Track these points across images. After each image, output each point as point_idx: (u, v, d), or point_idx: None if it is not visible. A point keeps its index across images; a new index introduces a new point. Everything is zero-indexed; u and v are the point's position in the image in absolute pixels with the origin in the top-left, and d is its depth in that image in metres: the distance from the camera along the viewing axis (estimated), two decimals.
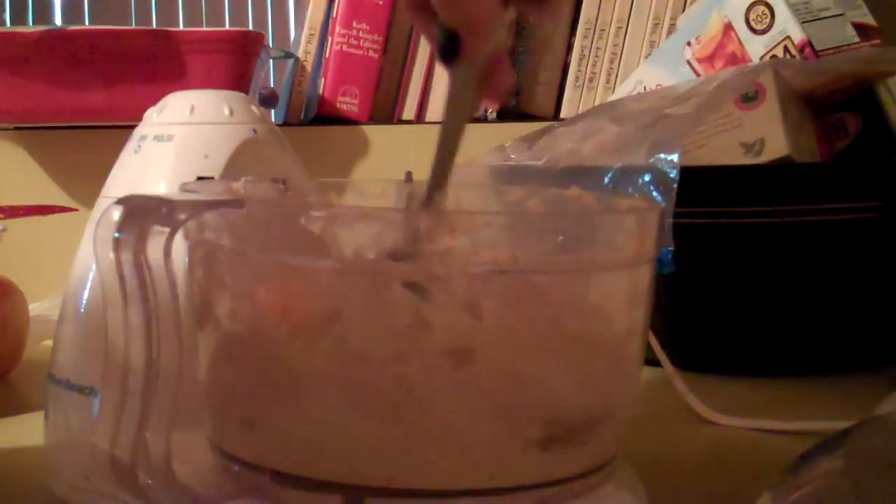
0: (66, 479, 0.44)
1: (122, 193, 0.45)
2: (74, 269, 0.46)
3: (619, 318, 0.34)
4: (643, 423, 0.49)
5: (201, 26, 1.33)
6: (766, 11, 0.77)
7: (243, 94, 0.48)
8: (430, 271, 0.32)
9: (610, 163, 0.58)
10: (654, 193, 0.54)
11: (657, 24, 1.01)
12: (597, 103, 0.99)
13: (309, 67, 0.99)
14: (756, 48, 0.78)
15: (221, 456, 0.35)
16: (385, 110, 0.99)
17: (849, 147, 0.73)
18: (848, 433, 0.34)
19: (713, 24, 0.80)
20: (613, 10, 1.01)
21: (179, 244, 0.33)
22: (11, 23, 1.28)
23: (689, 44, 0.82)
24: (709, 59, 0.81)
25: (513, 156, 0.71)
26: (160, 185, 0.44)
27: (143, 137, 0.45)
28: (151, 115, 0.46)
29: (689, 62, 0.82)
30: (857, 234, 0.63)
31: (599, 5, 1.01)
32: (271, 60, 1.13)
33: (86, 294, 0.44)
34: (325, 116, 0.97)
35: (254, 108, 0.47)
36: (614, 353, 0.34)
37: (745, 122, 0.68)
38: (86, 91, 0.84)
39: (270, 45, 1.22)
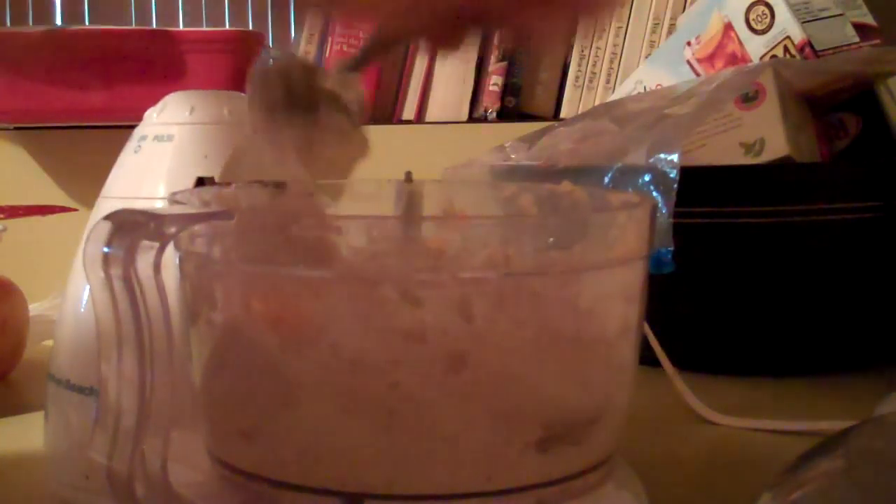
0: (66, 479, 0.44)
1: (122, 193, 0.45)
2: (74, 269, 0.46)
3: (614, 317, 0.34)
4: (643, 423, 0.49)
5: (201, 26, 1.33)
6: (766, 11, 0.77)
7: (243, 94, 0.48)
8: (422, 276, 0.32)
9: (610, 163, 0.58)
10: (654, 193, 0.54)
11: (657, 24, 1.01)
12: (597, 103, 0.99)
13: None
14: (756, 48, 0.78)
15: (219, 465, 0.34)
16: (385, 110, 0.99)
17: (849, 147, 0.73)
18: (848, 433, 0.34)
19: (713, 24, 0.80)
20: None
21: (170, 255, 0.33)
22: (11, 23, 1.28)
23: (689, 44, 0.82)
24: (709, 59, 0.81)
25: (513, 156, 0.71)
26: (160, 185, 0.44)
27: (143, 137, 0.45)
28: (151, 115, 0.46)
29: (689, 62, 0.82)
30: (857, 234, 0.63)
31: None
32: (271, 60, 1.13)
33: (86, 294, 0.44)
34: None
35: None
36: (609, 351, 0.34)
37: (745, 122, 0.68)
38: (86, 91, 0.84)
39: (270, 45, 1.22)
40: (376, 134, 1.09)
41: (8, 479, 0.48)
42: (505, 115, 1.01)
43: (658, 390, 0.57)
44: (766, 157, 0.67)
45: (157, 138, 0.45)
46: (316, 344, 0.31)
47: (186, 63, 0.85)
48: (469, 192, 0.49)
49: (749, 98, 0.68)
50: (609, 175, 0.58)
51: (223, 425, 0.35)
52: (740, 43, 0.79)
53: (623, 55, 1.02)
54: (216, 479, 0.35)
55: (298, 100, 0.39)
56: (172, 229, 0.32)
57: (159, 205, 0.43)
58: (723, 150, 0.68)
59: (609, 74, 1.02)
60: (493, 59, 1.00)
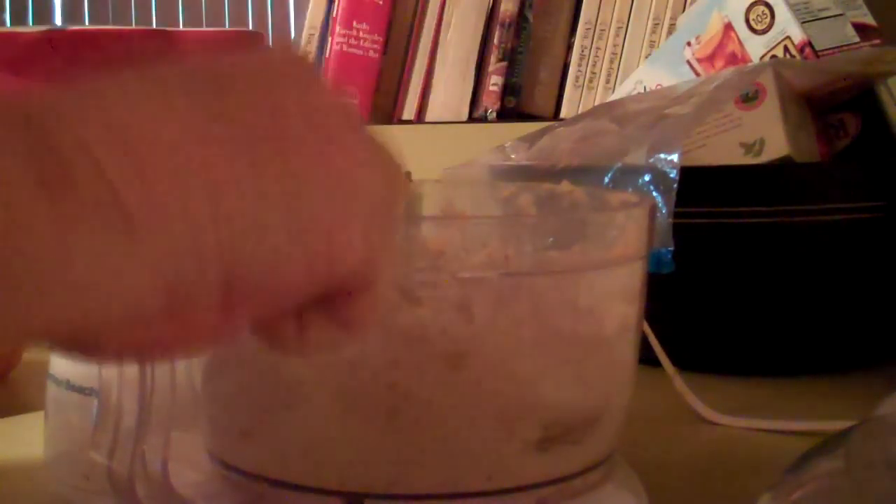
0: (66, 479, 0.44)
1: None
2: None
3: (613, 317, 0.34)
4: (643, 423, 0.49)
5: (201, 26, 1.33)
6: (766, 11, 0.77)
7: None
8: (422, 276, 0.32)
9: (610, 163, 0.58)
10: (654, 193, 0.54)
11: (657, 24, 1.01)
12: (597, 103, 0.99)
13: None
14: (756, 48, 0.78)
15: (220, 465, 0.34)
16: (385, 110, 0.99)
17: (849, 147, 0.73)
18: (848, 433, 0.34)
19: (713, 24, 0.80)
20: (613, 10, 1.01)
21: None
22: (11, 23, 1.28)
23: (689, 44, 0.82)
24: (709, 59, 0.81)
25: (513, 156, 0.71)
26: None
27: None
28: None
29: (689, 62, 0.82)
30: (857, 234, 0.63)
31: (599, 5, 1.01)
32: None
33: None
34: None
35: None
36: (609, 351, 0.34)
37: (745, 122, 0.68)
38: None
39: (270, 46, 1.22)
40: (376, 134, 1.08)
41: (8, 479, 0.48)
42: (505, 115, 1.01)
43: (658, 390, 0.57)
44: (766, 157, 0.67)
45: None
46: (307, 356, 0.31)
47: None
48: (469, 193, 0.49)
49: (749, 98, 0.68)
50: (609, 175, 0.58)
51: (223, 425, 0.35)
52: (740, 43, 0.79)
53: (623, 55, 1.02)
54: (216, 479, 0.35)
55: None
56: None
57: None
58: (723, 150, 0.68)
59: (609, 74, 1.02)
60: (493, 59, 1.00)
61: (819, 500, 0.32)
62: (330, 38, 0.97)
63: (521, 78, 1.01)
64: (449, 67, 0.99)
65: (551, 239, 0.33)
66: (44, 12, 1.31)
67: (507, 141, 0.73)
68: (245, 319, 0.23)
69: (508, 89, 1.01)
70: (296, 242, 0.23)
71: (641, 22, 1.01)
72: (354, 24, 0.96)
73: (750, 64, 0.77)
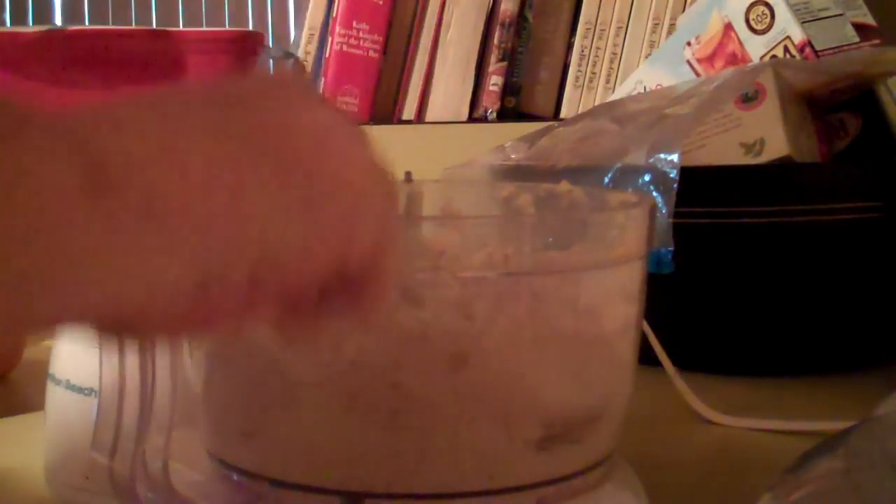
0: (66, 479, 0.44)
1: None
2: None
3: (613, 316, 0.34)
4: (643, 423, 0.49)
5: (201, 26, 1.33)
6: (766, 11, 0.77)
7: None
8: (422, 276, 0.32)
9: (610, 163, 0.58)
10: (654, 193, 0.54)
11: (657, 24, 1.01)
12: (597, 103, 0.99)
13: (309, 67, 0.99)
14: (756, 48, 0.78)
15: (220, 465, 0.34)
16: (385, 110, 0.99)
17: (849, 147, 0.73)
18: (848, 433, 0.34)
19: (713, 24, 0.80)
20: (613, 10, 1.01)
21: None
22: (11, 23, 1.28)
23: (689, 44, 0.82)
24: (709, 59, 0.81)
25: (513, 156, 0.71)
26: None
27: None
28: None
29: (689, 62, 0.82)
30: (857, 234, 0.63)
31: (599, 5, 1.01)
32: (271, 60, 1.13)
33: None
34: None
35: None
36: (609, 351, 0.34)
37: (745, 122, 0.68)
38: (86, 91, 0.84)
39: (270, 45, 1.22)
40: (376, 134, 1.08)
41: (8, 479, 0.48)
42: (505, 115, 1.01)
43: (658, 390, 0.57)
44: (766, 157, 0.67)
45: None
46: (318, 344, 0.31)
47: (186, 63, 0.85)
48: (469, 192, 0.49)
49: (749, 98, 0.68)
50: (609, 175, 0.58)
51: (224, 425, 0.35)
52: (740, 43, 0.79)
53: (623, 55, 1.02)
54: (217, 479, 0.35)
55: None
56: None
57: None
58: (723, 150, 0.68)
59: (609, 74, 1.02)
60: (493, 59, 1.00)
61: (819, 500, 0.32)
62: (330, 38, 0.97)
63: (521, 78, 1.01)
64: (449, 67, 0.99)
65: (551, 239, 0.33)
66: (44, 12, 1.31)
67: (507, 141, 0.73)
68: (269, 307, 0.26)
69: (508, 89, 1.01)
70: (314, 236, 0.25)
71: (641, 22, 1.01)
72: (354, 24, 0.96)
73: (750, 64, 0.77)
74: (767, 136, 0.67)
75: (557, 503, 0.33)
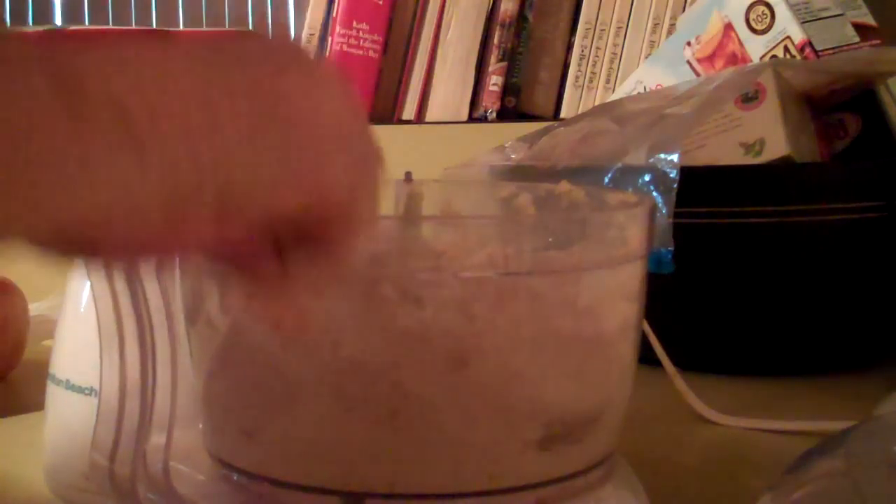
0: (66, 479, 0.44)
1: None
2: (75, 269, 0.46)
3: (613, 316, 0.34)
4: (643, 423, 0.49)
5: (201, 26, 1.33)
6: (766, 11, 0.77)
7: None
8: (422, 276, 0.32)
9: (610, 163, 0.58)
10: (654, 193, 0.54)
11: (657, 24, 1.01)
12: (597, 103, 0.99)
13: None
14: (756, 48, 0.78)
15: (221, 465, 0.34)
16: (385, 110, 0.99)
17: (849, 147, 0.73)
18: (848, 433, 0.34)
19: (713, 24, 0.80)
20: (613, 10, 1.01)
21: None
22: (11, 23, 1.28)
23: (689, 44, 0.82)
24: (709, 59, 0.81)
25: (513, 156, 0.71)
26: None
27: None
28: None
29: (689, 62, 0.82)
30: (857, 234, 0.63)
31: (599, 5, 1.01)
32: None
33: (86, 294, 0.44)
34: None
35: None
36: (609, 351, 0.34)
37: (745, 122, 0.68)
38: None
39: None
40: (376, 134, 1.08)
41: (8, 479, 0.48)
42: (505, 115, 1.01)
43: (658, 390, 0.57)
44: (766, 157, 0.67)
45: None
46: (317, 344, 0.31)
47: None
48: (469, 192, 0.49)
49: (749, 98, 0.68)
50: (609, 175, 0.58)
51: (224, 425, 0.35)
52: (740, 43, 0.79)
53: (623, 55, 1.02)
54: (217, 479, 0.35)
55: None
56: None
57: None
58: (723, 150, 0.68)
59: (609, 74, 1.02)
60: (493, 59, 1.00)
61: (819, 500, 0.32)
62: (330, 38, 0.97)
63: (521, 78, 1.01)
64: (449, 67, 0.99)
65: (551, 239, 0.33)
66: (44, 12, 1.31)
67: (507, 141, 0.73)
68: (236, 232, 0.26)
69: (508, 89, 1.01)
70: (285, 167, 0.26)
71: (641, 22, 1.01)
72: (354, 24, 0.96)
73: (750, 64, 0.77)
74: (767, 136, 0.67)
75: (557, 503, 0.33)
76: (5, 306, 0.65)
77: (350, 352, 0.31)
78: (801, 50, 0.75)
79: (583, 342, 0.33)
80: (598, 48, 1.02)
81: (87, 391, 0.43)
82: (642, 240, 0.35)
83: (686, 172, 0.54)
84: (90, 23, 1.32)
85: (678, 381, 0.57)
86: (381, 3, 0.96)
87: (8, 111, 0.21)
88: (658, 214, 0.53)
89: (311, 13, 0.98)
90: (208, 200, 0.24)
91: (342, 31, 0.96)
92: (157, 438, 0.32)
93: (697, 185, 0.60)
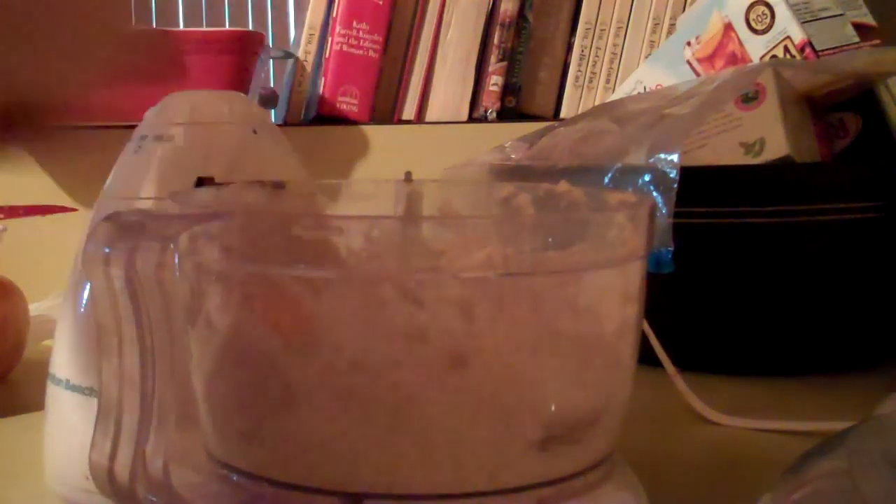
0: (66, 479, 0.44)
1: (122, 193, 0.45)
2: (74, 269, 0.46)
3: (613, 317, 0.34)
4: (643, 423, 0.49)
5: (201, 26, 1.33)
6: (766, 11, 0.77)
7: (243, 94, 0.48)
8: (422, 276, 0.32)
9: (610, 163, 0.58)
10: (654, 193, 0.54)
11: (657, 24, 1.01)
12: (597, 103, 0.99)
13: (309, 67, 0.99)
14: (756, 48, 0.78)
15: (220, 466, 0.34)
16: (385, 110, 0.99)
17: (849, 147, 0.73)
18: (848, 433, 0.34)
19: (713, 24, 0.80)
20: (613, 10, 1.01)
21: (170, 256, 0.33)
22: None
23: (689, 44, 0.82)
24: (709, 59, 0.81)
25: (513, 156, 0.71)
26: (160, 185, 0.44)
27: (143, 137, 0.45)
28: (151, 115, 0.46)
29: (689, 62, 0.82)
30: (857, 234, 0.63)
31: (599, 5, 1.01)
32: (271, 60, 1.13)
33: (86, 294, 0.44)
34: (325, 116, 0.97)
35: (254, 108, 0.47)
36: (609, 350, 0.34)
37: (745, 122, 0.68)
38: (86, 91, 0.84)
39: (270, 45, 1.22)
40: (376, 134, 1.09)
41: (8, 479, 0.48)
42: (505, 115, 1.01)
43: (658, 390, 0.57)
44: (766, 157, 0.67)
45: (157, 138, 0.45)
46: (317, 344, 0.31)
47: (186, 63, 0.85)
48: (468, 192, 0.49)
49: (749, 98, 0.68)
50: (609, 175, 0.58)
51: (224, 426, 0.35)
52: (740, 43, 0.79)
53: (623, 55, 1.02)
54: (216, 480, 0.35)
55: None
56: (173, 230, 0.32)
57: (160, 205, 0.43)
58: (723, 150, 0.68)
59: (609, 74, 1.02)
60: (493, 59, 1.00)
61: (819, 500, 0.32)
62: (330, 38, 0.97)
63: (521, 78, 1.01)
64: (449, 67, 0.99)
65: (550, 239, 0.33)
66: None
67: (507, 141, 0.73)
68: None
69: (508, 89, 1.01)
70: None
71: (641, 22, 1.01)
72: (354, 24, 0.96)
73: (750, 64, 0.77)
74: (767, 136, 0.67)
75: (557, 503, 0.33)
76: (5, 306, 0.65)
77: (350, 352, 0.31)
78: (801, 50, 0.75)
79: (583, 342, 0.33)
80: (598, 48, 1.02)
81: (87, 391, 0.43)
82: (642, 240, 0.35)
83: (686, 172, 0.54)
84: None
85: (678, 381, 0.57)
86: (381, 3, 0.96)
87: None
88: (658, 214, 0.53)
89: (311, 13, 0.98)
90: None
91: (342, 31, 0.96)
92: (157, 438, 0.32)
93: (697, 185, 0.60)
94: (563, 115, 1.02)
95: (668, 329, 0.57)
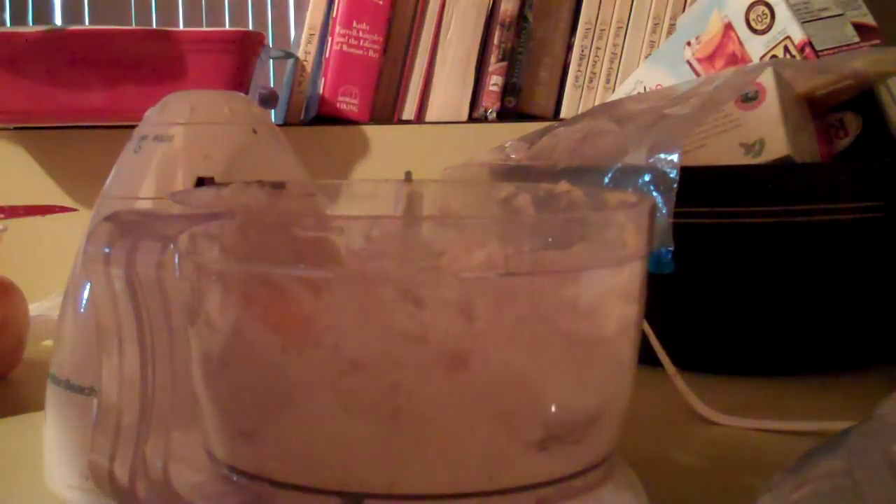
0: (66, 479, 0.44)
1: (122, 193, 0.45)
2: (74, 269, 0.46)
3: (613, 317, 0.34)
4: (643, 423, 0.49)
5: (201, 26, 1.33)
6: (766, 11, 0.77)
7: (243, 94, 0.48)
8: (422, 276, 0.32)
9: (610, 163, 0.58)
10: (654, 193, 0.54)
11: (657, 24, 1.01)
12: (597, 103, 0.99)
13: (309, 67, 0.99)
14: (756, 48, 0.78)
15: (220, 466, 0.34)
16: (385, 110, 0.99)
17: (849, 147, 0.73)
18: (848, 433, 0.34)
19: (713, 24, 0.80)
20: (613, 10, 1.01)
21: (170, 255, 0.33)
22: (11, 23, 1.28)
23: (689, 44, 0.82)
24: (709, 59, 0.81)
25: (513, 156, 0.71)
26: (160, 185, 0.44)
27: (143, 137, 0.45)
28: (151, 115, 0.46)
29: (689, 62, 0.82)
30: (857, 234, 0.63)
31: (599, 5, 1.01)
32: (271, 60, 1.13)
33: (86, 294, 0.44)
34: (325, 116, 0.97)
35: (254, 108, 0.47)
36: (609, 351, 0.34)
37: (745, 122, 0.68)
38: (86, 91, 0.84)
39: (270, 45, 1.22)
40: (376, 134, 1.09)
41: (8, 479, 0.48)
42: (505, 115, 1.01)
43: (658, 390, 0.57)
44: (766, 158, 0.67)
45: (157, 138, 0.45)
46: (317, 344, 0.31)
47: (186, 63, 0.85)
48: (468, 192, 0.49)
49: (749, 98, 0.68)
50: (609, 175, 0.58)
51: (224, 425, 0.35)
52: (740, 43, 0.79)
53: (623, 55, 1.02)
54: (216, 479, 0.35)
55: None
56: (173, 230, 0.32)
57: (160, 205, 0.43)
58: (723, 150, 0.68)
59: (609, 74, 1.02)
60: (493, 59, 1.00)
61: (819, 500, 0.32)
62: (330, 38, 0.97)
63: (521, 78, 1.01)
64: (449, 67, 0.99)
65: (550, 239, 0.33)
66: (44, 12, 1.31)
67: (507, 141, 0.73)
68: None
69: (508, 89, 1.01)
70: None
71: (641, 22, 1.01)
72: (354, 24, 0.96)
73: (750, 64, 0.77)
74: (767, 136, 0.67)
75: (557, 503, 0.33)
76: (5, 306, 0.65)
77: (350, 352, 0.31)
78: (801, 50, 0.75)
79: (583, 342, 0.33)
80: (598, 48, 1.02)
81: (87, 391, 0.43)
82: (642, 240, 0.35)
83: (686, 172, 0.54)
84: (90, 23, 1.32)
85: (678, 381, 0.57)
86: (381, 3, 0.96)
87: None
88: (658, 214, 0.53)
89: (311, 13, 0.98)
90: None
91: (342, 31, 0.96)
92: (156, 438, 0.32)
93: (697, 185, 0.60)
94: (563, 115, 1.02)
95: (668, 329, 0.57)
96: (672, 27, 1.00)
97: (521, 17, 1.01)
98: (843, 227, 0.63)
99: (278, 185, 0.41)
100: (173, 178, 0.43)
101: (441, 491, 0.32)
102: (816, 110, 0.73)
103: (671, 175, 0.54)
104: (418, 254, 0.32)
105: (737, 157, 0.67)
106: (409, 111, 0.99)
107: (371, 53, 0.97)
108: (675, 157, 0.55)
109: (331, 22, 0.97)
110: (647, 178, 0.55)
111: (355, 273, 0.32)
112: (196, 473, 0.35)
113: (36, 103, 0.84)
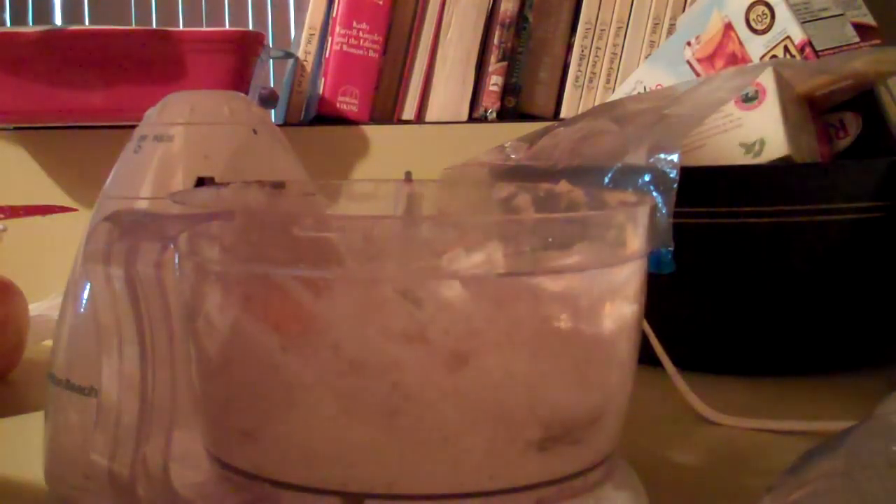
0: (66, 479, 0.44)
1: (122, 193, 0.45)
2: (74, 269, 0.46)
3: (613, 317, 0.34)
4: (643, 423, 0.49)
5: (201, 26, 1.33)
6: (766, 11, 0.77)
7: (243, 94, 0.48)
8: (422, 276, 0.32)
9: (610, 163, 0.58)
10: (654, 193, 0.54)
11: (657, 24, 1.01)
12: (597, 103, 0.99)
13: (309, 67, 0.99)
14: (756, 48, 0.78)
15: (220, 466, 0.34)
16: (385, 110, 0.99)
17: (849, 147, 0.73)
18: (848, 433, 0.34)
19: (713, 24, 0.80)
20: (613, 10, 1.01)
21: (170, 255, 0.33)
22: (11, 23, 1.28)
23: (689, 44, 0.82)
24: (709, 59, 0.81)
25: (513, 156, 0.71)
26: (160, 185, 0.44)
27: (143, 137, 0.45)
28: (151, 115, 0.46)
29: (689, 62, 0.82)
30: (857, 234, 0.63)
31: (599, 5, 1.01)
32: (271, 60, 1.13)
33: (86, 294, 0.44)
34: (325, 116, 0.97)
35: (254, 108, 0.47)
36: (609, 351, 0.34)
37: (745, 122, 0.68)
38: (86, 91, 0.84)
39: (270, 45, 1.22)
40: (376, 134, 1.09)
41: (8, 479, 0.48)
42: (505, 115, 1.01)
43: (658, 390, 0.57)
44: (766, 157, 0.67)
45: (157, 138, 0.45)
46: (316, 344, 0.31)
47: (186, 63, 0.85)
48: (468, 192, 0.49)
49: (749, 98, 0.68)
50: (609, 175, 0.58)
51: (223, 425, 0.35)
52: (740, 43, 0.79)
53: (623, 55, 1.02)
54: (216, 479, 0.35)
55: None
56: (173, 230, 0.32)
57: (160, 205, 0.43)
58: (723, 150, 0.68)
59: (609, 74, 1.02)
60: (493, 59, 1.00)
61: (819, 500, 0.32)
62: (330, 38, 0.97)
63: (521, 78, 1.01)
64: (449, 67, 0.99)
65: (551, 239, 0.33)
66: (44, 12, 1.31)
67: (507, 141, 0.73)
68: None
69: (508, 89, 1.01)
70: None
71: (641, 22, 1.01)
72: (354, 24, 0.96)
73: (750, 64, 0.77)
74: (767, 136, 0.67)
75: (557, 503, 0.33)
76: (5, 306, 0.65)
77: (350, 352, 0.31)
78: (801, 50, 0.75)
79: (583, 342, 0.33)
80: (598, 48, 1.02)
81: (87, 391, 0.43)
82: (642, 240, 0.35)
83: (686, 172, 0.54)
84: (90, 23, 1.32)
85: (678, 380, 0.57)
86: (381, 3, 0.96)
87: None
88: (658, 214, 0.53)
89: (311, 13, 0.98)
90: None
91: (342, 31, 0.96)
92: (157, 438, 0.32)
93: (697, 185, 0.60)
94: (563, 115, 1.02)
95: (668, 329, 0.57)
96: (672, 27, 1.00)
97: (521, 16, 1.01)
98: (843, 227, 0.63)
99: (278, 185, 0.41)
100: (173, 178, 0.43)
101: (441, 491, 0.32)
102: (816, 110, 0.73)
103: (671, 175, 0.54)
104: (418, 254, 0.32)
105: (737, 157, 0.67)
106: (409, 111, 0.99)
107: (371, 53, 0.97)
108: (675, 157, 0.55)
109: (331, 22, 0.97)
110: (647, 178, 0.55)
111: (355, 273, 0.32)
112: (196, 473, 0.35)
113: (36, 103, 0.84)
